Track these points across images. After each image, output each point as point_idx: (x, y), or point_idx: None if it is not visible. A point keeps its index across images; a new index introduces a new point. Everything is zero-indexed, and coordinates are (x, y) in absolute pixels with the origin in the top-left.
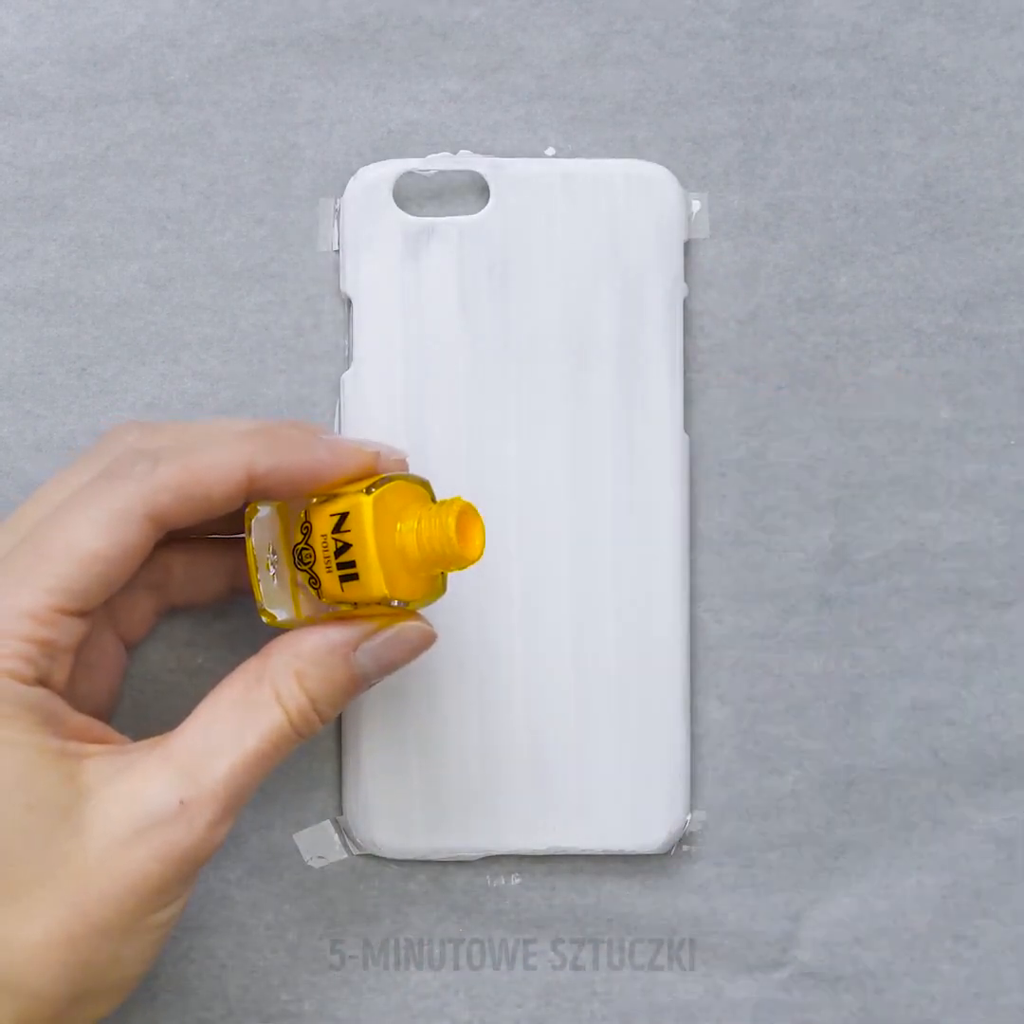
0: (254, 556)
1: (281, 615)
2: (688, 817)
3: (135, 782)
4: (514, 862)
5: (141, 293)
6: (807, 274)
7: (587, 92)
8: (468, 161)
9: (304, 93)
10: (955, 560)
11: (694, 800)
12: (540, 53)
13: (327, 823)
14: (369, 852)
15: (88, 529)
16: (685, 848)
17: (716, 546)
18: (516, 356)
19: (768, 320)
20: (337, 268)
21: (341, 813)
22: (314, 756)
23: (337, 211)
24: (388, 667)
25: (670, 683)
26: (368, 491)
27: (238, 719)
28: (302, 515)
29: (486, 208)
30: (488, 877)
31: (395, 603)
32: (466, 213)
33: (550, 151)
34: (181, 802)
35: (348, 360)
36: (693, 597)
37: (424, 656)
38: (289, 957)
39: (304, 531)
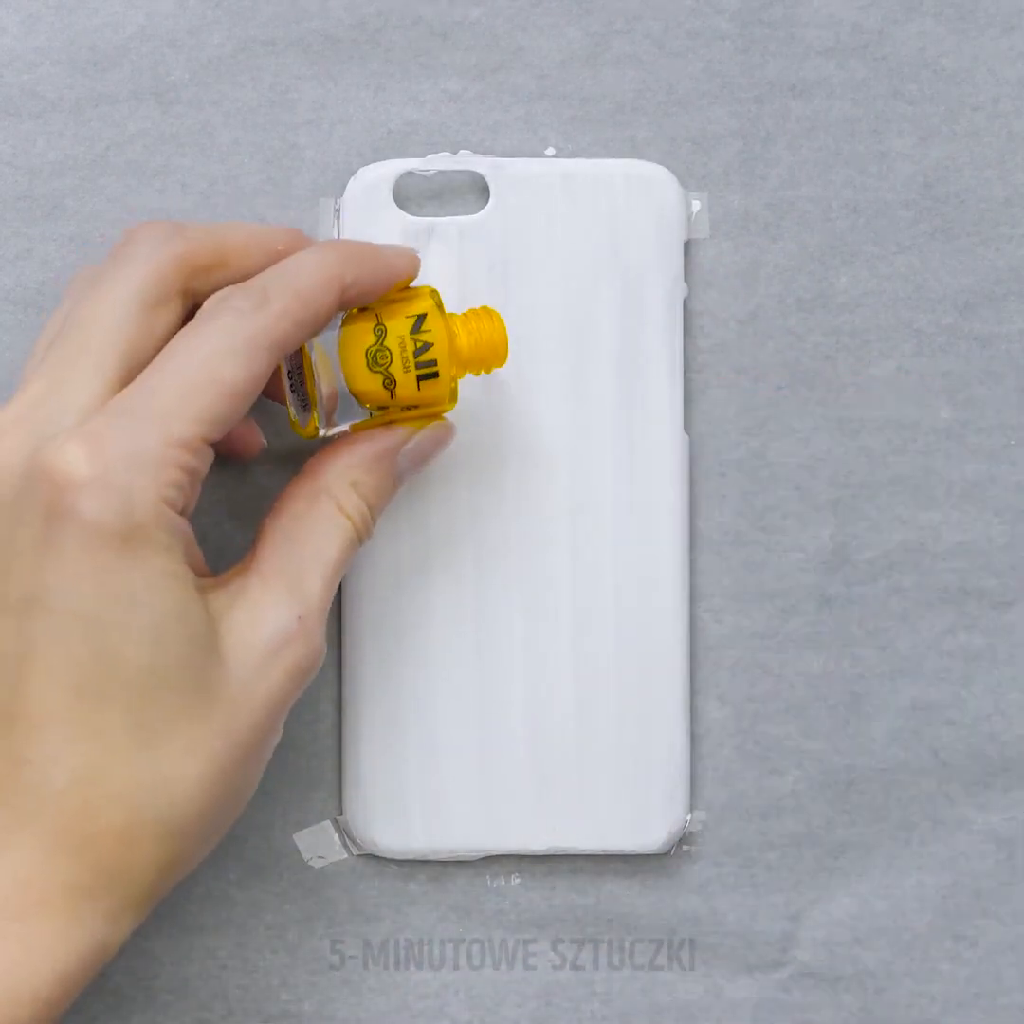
0: (313, 372)
1: (340, 427)
2: (688, 817)
3: (251, 608)
4: (514, 862)
5: None
6: (807, 274)
7: (587, 92)
8: (468, 161)
9: (304, 93)
10: (955, 560)
11: (694, 800)
12: (540, 53)
13: (327, 823)
14: (369, 852)
15: (228, 361)
16: (685, 848)
17: (716, 546)
18: (516, 356)
19: (768, 320)
20: None
21: (341, 813)
22: (314, 756)
23: (337, 211)
24: (421, 466)
25: (670, 683)
26: (435, 296)
27: (313, 533)
28: (375, 319)
29: (486, 208)
30: (488, 877)
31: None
32: (466, 213)
33: (550, 151)
34: (299, 618)
35: None
36: (693, 597)
37: (424, 656)
38: (289, 957)
39: (378, 334)
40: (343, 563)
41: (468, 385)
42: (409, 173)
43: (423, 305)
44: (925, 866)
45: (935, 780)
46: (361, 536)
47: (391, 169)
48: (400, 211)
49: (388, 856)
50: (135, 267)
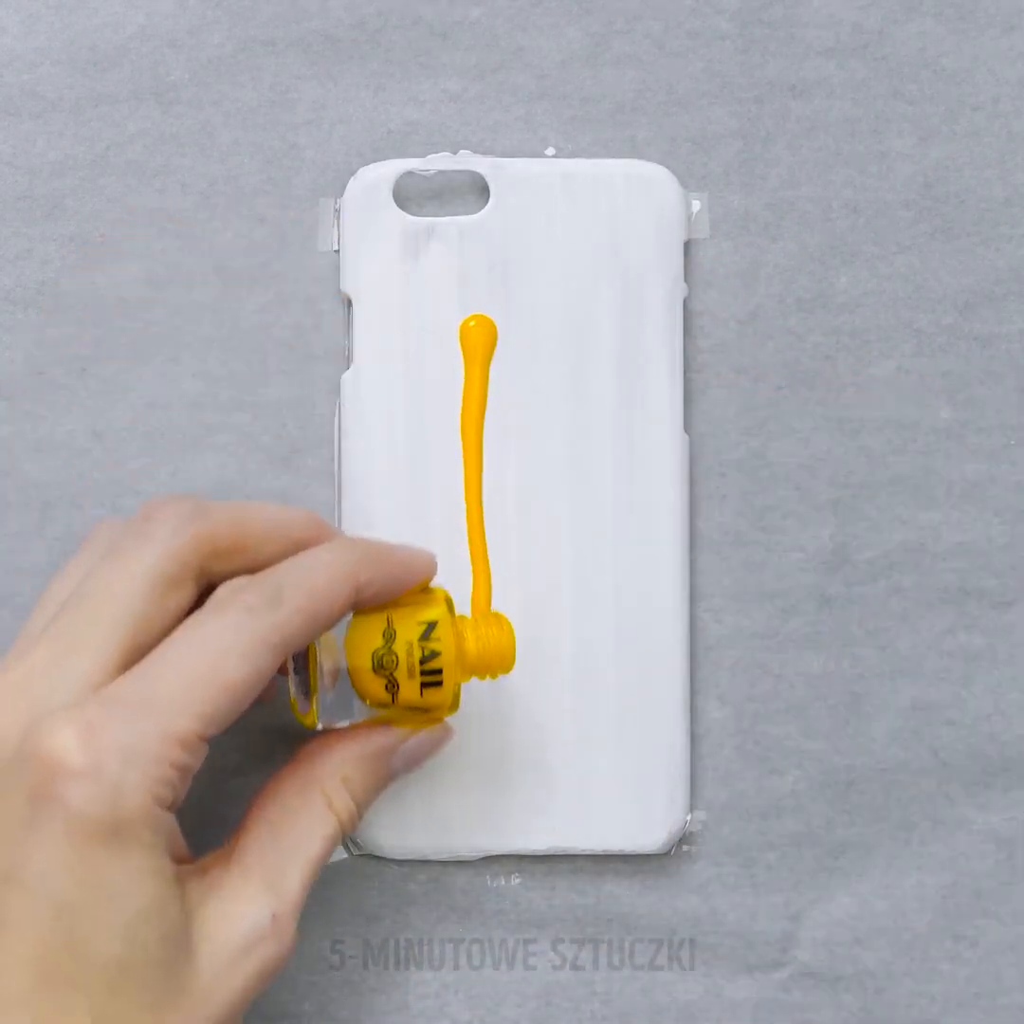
0: (318, 666)
1: (339, 723)
2: (688, 817)
3: (226, 903)
4: (514, 862)
5: (141, 293)
6: (807, 274)
7: (587, 92)
8: (468, 161)
9: (304, 93)
10: (955, 560)
11: (694, 800)
12: (540, 53)
13: None
14: (369, 852)
15: (233, 660)
16: (685, 848)
17: (716, 546)
18: (516, 356)
19: (768, 320)
20: (337, 268)
21: None
22: None
23: (337, 211)
24: (415, 767)
25: (670, 683)
26: (448, 602)
27: (297, 827)
28: (385, 622)
29: (486, 208)
30: (488, 877)
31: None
32: (466, 213)
33: (550, 151)
34: (273, 917)
35: (348, 360)
36: (693, 597)
37: None
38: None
39: (386, 638)
40: (324, 860)
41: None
42: (409, 173)
43: (435, 612)
44: (925, 866)
45: (935, 780)
46: (346, 831)
47: (391, 169)
48: (400, 211)
49: (388, 856)
50: (154, 545)
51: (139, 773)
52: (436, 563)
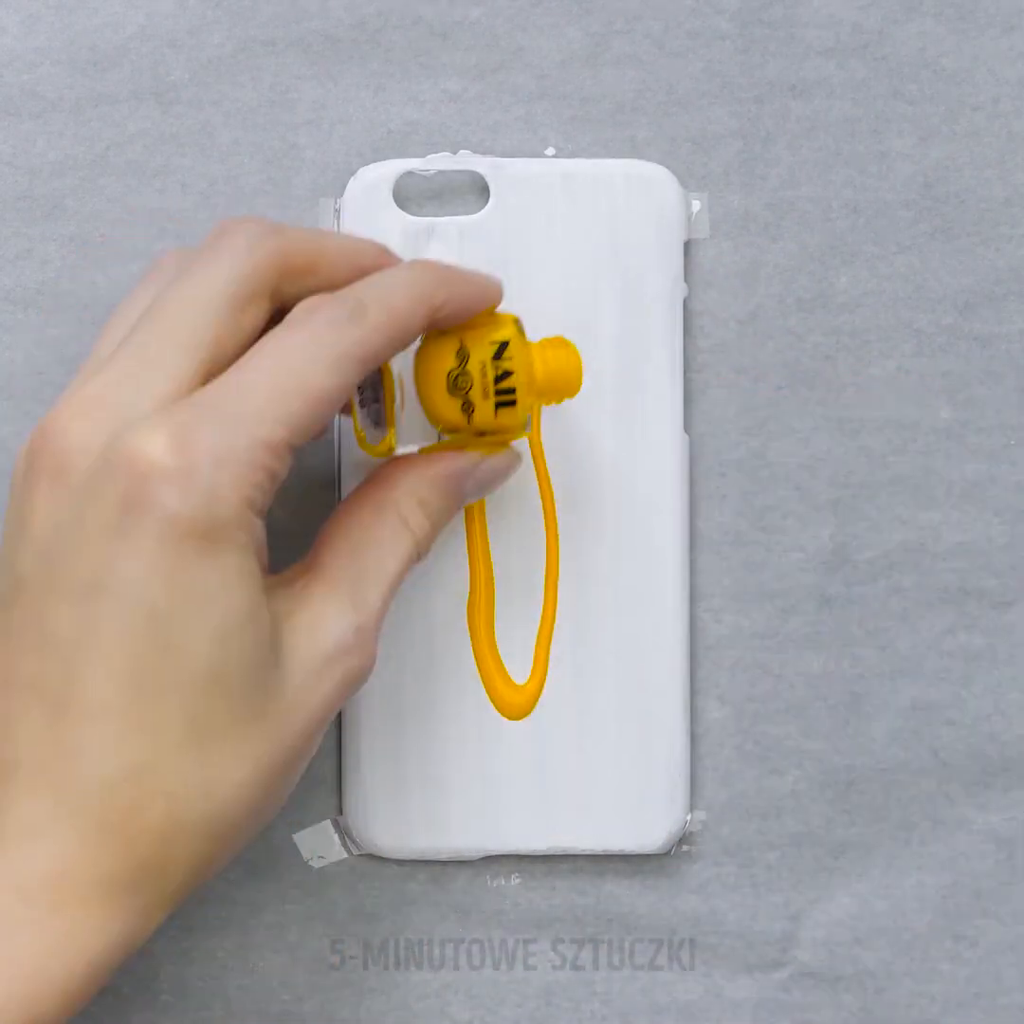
0: (392, 387)
1: (411, 449)
2: (688, 817)
3: (314, 613)
4: (514, 862)
5: None
6: (807, 274)
7: (587, 92)
8: (468, 161)
9: (304, 93)
10: (955, 560)
11: (694, 800)
12: (540, 53)
13: (327, 823)
14: (369, 852)
15: (321, 369)
16: (685, 848)
17: (716, 546)
18: None
19: (768, 320)
20: None
21: (341, 813)
22: (314, 756)
23: (337, 211)
24: (484, 493)
25: (670, 683)
26: (517, 324)
27: (377, 545)
28: (458, 343)
29: (486, 208)
30: (488, 877)
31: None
32: (466, 213)
33: (550, 151)
34: (357, 629)
35: None
36: (693, 597)
37: (424, 656)
38: (289, 957)
39: (460, 358)
40: (401, 578)
41: None
42: (409, 173)
43: (507, 332)
44: (925, 866)
45: (935, 780)
46: (420, 553)
47: (391, 169)
48: (400, 211)
49: (388, 856)
50: (231, 261)
51: (232, 475)
52: (502, 289)
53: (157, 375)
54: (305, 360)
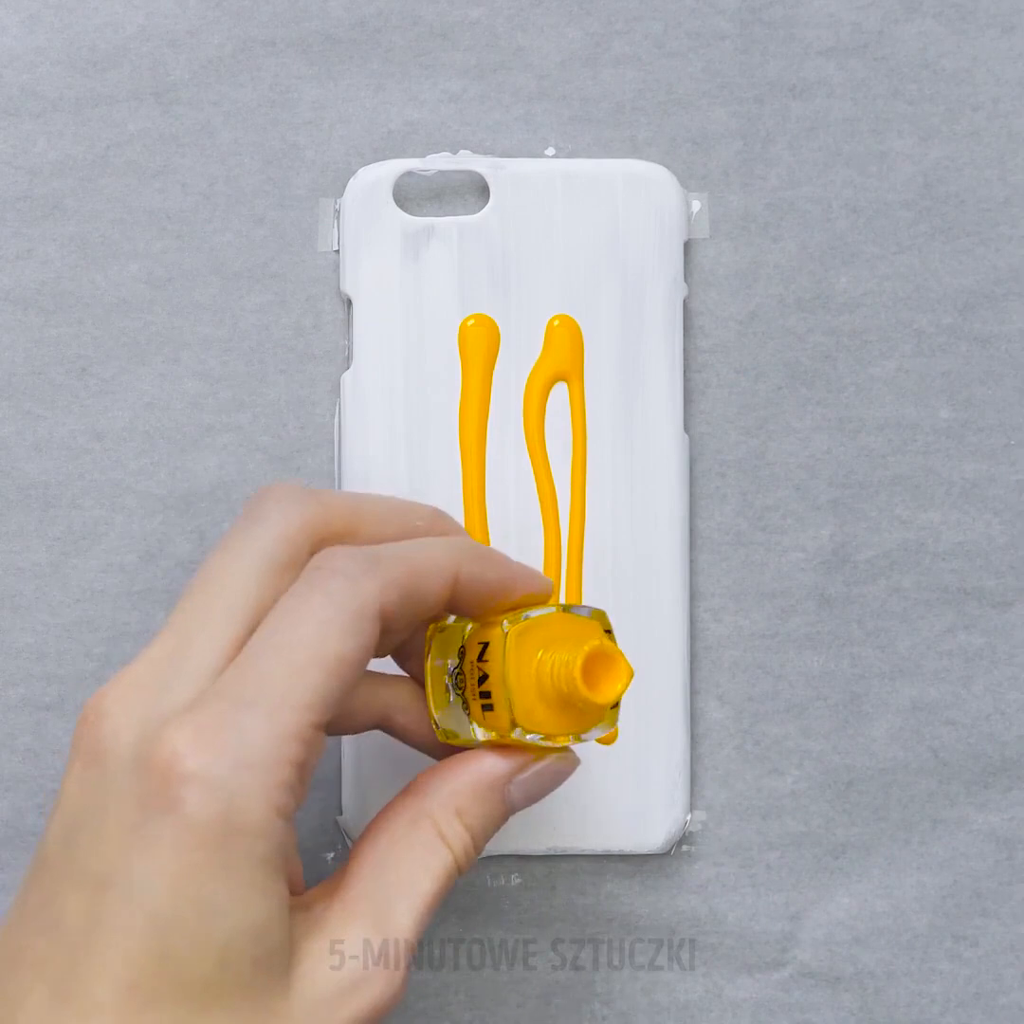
0: (434, 673)
1: (461, 734)
2: (688, 817)
3: (331, 939)
4: (514, 862)
5: (141, 293)
6: (807, 274)
7: (587, 92)
8: (468, 161)
9: (304, 93)
10: (955, 560)
11: (694, 800)
12: (540, 53)
13: (327, 823)
14: None
15: (334, 633)
16: (685, 848)
17: (716, 546)
18: (516, 356)
19: (768, 320)
20: (337, 268)
21: (341, 813)
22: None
23: (337, 211)
24: (536, 799)
25: (670, 683)
26: (508, 622)
27: (409, 863)
28: (461, 639)
29: (486, 208)
30: (488, 877)
31: (531, 737)
32: (466, 213)
33: (550, 151)
34: (381, 957)
35: (348, 360)
36: (693, 597)
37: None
38: None
39: (460, 655)
40: (439, 896)
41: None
42: (409, 173)
43: (490, 634)
44: (925, 866)
45: (935, 780)
46: (462, 868)
47: (391, 169)
48: (400, 211)
49: None
50: (265, 528)
51: (253, 776)
52: (550, 588)
53: (192, 654)
54: (318, 626)
